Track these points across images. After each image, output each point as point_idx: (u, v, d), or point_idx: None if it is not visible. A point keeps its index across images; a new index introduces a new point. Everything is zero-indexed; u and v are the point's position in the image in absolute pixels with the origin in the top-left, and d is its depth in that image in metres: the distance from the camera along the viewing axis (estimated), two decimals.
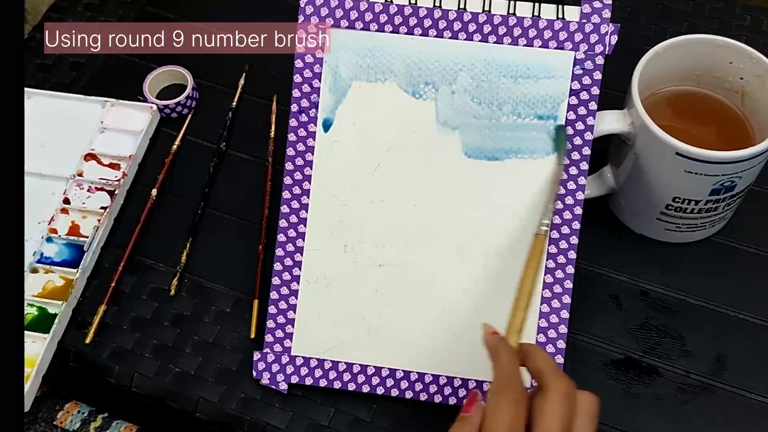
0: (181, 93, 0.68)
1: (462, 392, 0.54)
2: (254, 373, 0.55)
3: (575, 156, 0.54)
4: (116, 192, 0.63)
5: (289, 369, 0.55)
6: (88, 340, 0.58)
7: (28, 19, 0.79)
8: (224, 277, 0.60)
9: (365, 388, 0.54)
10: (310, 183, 0.56)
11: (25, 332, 0.57)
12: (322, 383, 0.55)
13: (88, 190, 0.64)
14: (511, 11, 0.54)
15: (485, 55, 0.54)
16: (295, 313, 0.55)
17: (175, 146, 0.66)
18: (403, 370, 0.54)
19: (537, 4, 0.54)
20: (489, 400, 0.42)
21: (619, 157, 0.57)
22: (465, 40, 0.54)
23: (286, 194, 0.56)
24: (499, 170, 0.54)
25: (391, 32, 0.55)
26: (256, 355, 0.55)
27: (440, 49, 0.55)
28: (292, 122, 0.56)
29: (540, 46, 0.54)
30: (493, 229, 0.55)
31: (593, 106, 0.53)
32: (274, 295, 0.56)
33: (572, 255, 0.54)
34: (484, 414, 0.42)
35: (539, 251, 0.49)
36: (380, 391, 0.54)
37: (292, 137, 0.56)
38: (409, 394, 0.54)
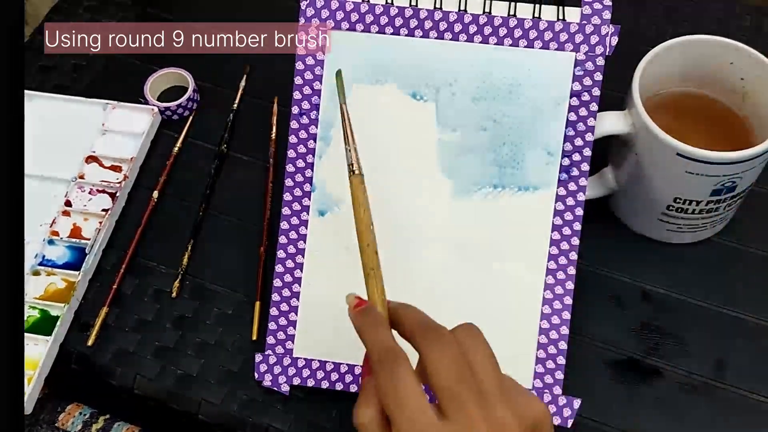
0: (182, 95, 0.68)
1: None
2: (256, 375, 0.55)
3: (576, 157, 0.54)
4: (118, 194, 0.63)
5: (291, 370, 0.55)
6: (90, 342, 0.58)
7: (28, 21, 0.79)
8: (226, 278, 0.60)
9: None
10: (311, 185, 0.56)
11: (28, 335, 0.57)
12: (324, 385, 0.55)
13: (90, 193, 0.64)
14: (512, 13, 0.54)
15: (486, 56, 0.54)
16: (296, 314, 0.55)
17: (176, 148, 0.66)
18: None
19: (537, 6, 0.54)
20: (379, 381, 0.38)
21: (620, 157, 0.57)
22: (466, 41, 0.54)
23: (287, 196, 0.56)
24: (500, 170, 0.54)
25: (391, 34, 0.55)
26: (258, 357, 0.55)
27: (441, 50, 0.55)
28: (293, 124, 0.56)
29: (541, 48, 0.54)
30: (494, 230, 0.55)
31: (594, 107, 0.54)
32: (275, 296, 0.56)
33: (573, 256, 0.54)
34: (376, 393, 0.39)
35: (359, 193, 0.46)
36: None
37: (293, 139, 0.56)
38: None
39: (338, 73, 0.49)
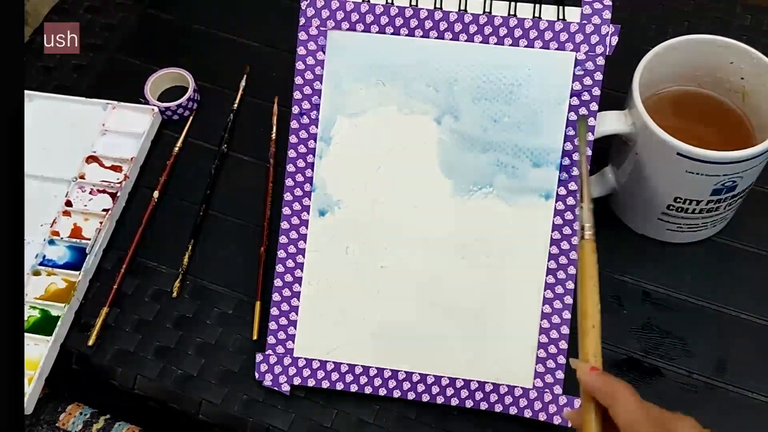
0: (182, 95, 0.68)
1: (464, 393, 0.54)
2: (257, 375, 0.55)
3: (576, 156, 0.54)
4: (118, 194, 0.63)
5: (292, 370, 0.55)
6: (90, 343, 0.58)
7: (28, 22, 0.79)
8: (226, 278, 0.60)
9: (367, 390, 0.54)
10: (311, 184, 0.56)
11: (28, 335, 0.57)
12: (325, 384, 0.55)
13: (90, 193, 0.64)
14: (512, 12, 0.54)
15: (486, 56, 0.54)
16: (297, 314, 0.55)
17: (176, 148, 0.66)
18: (405, 371, 0.55)
19: (538, 6, 0.54)
20: None
21: (621, 157, 0.57)
22: (466, 41, 0.54)
23: (287, 196, 0.56)
24: (500, 170, 0.54)
25: (392, 34, 0.55)
26: (259, 357, 0.55)
27: (441, 50, 0.55)
28: (294, 124, 0.56)
29: (541, 47, 0.54)
30: (495, 229, 0.55)
31: (594, 106, 0.54)
32: (276, 296, 0.56)
33: (574, 255, 0.54)
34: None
35: (588, 258, 0.43)
36: (382, 392, 0.54)
37: (293, 139, 0.56)
38: (411, 395, 0.54)
39: (581, 118, 0.46)
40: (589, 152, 0.53)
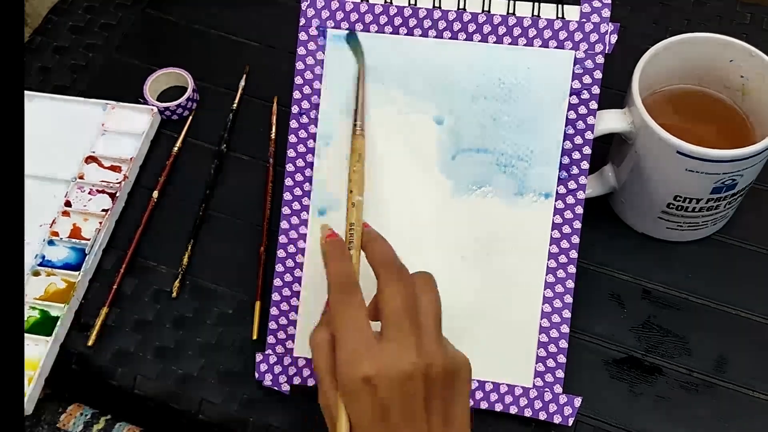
0: (181, 95, 0.68)
1: None
2: (256, 375, 0.55)
3: (576, 155, 0.54)
4: (117, 194, 0.63)
5: (292, 370, 0.55)
6: (90, 343, 0.58)
7: (28, 22, 0.79)
8: (226, 278, 0.60)
9: None
10: (311, 184, 0.56)
11: (28, 335, 0.57)
12: None
13: (90, 193, 0.64)
14: (511, 11, 0.54)
15: (485, 55, 0.54)
16: (297, 314, 0.55)
17: (176, 148, 0.66)
18: None
19: (536, 4, 0.54)
20: (330, 298, 0.44)
21: (620, 156, 0.57)
22: (465, 40, 0.54)
23: (287, 195, 0.56)
24: (499, 169, 0.54)
25: (390, 33, 0.55)
26: (259, 357, 0.55)
27: (440, 49, 0.55)
28: (293, 124, 0.56)
29: (540, 46, 0.54)
30: (494, 229, 0.55)
31: (594, 105, 0.53)
32: (275, 296, 0.56)
33: (573, 254, 0.54)
34: (329, 318, 0.44)
35: (357, 150, 0.52)
36: None
37: (292, 139, 0.56)
38: None
39: (350, 36, 0.54)
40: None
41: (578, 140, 0.54)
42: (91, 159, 0.65)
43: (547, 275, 0.54)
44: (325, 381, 0.43)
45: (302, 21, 0.55)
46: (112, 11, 0.75)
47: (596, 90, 0.53)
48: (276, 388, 0.55)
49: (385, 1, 0.55)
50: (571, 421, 0.53)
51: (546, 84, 0.54)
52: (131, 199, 0.64)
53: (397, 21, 0.55)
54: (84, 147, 0.65)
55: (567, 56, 0.54)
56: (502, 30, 0.54)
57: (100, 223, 0.62)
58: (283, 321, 0.55)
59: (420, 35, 0.55)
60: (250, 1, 0.74)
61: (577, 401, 0.53)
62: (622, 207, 0.61)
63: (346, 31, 0.55)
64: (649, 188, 0.56)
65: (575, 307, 0.54)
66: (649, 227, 0.60)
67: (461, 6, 0.54)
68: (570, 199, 0.54)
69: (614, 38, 0.53)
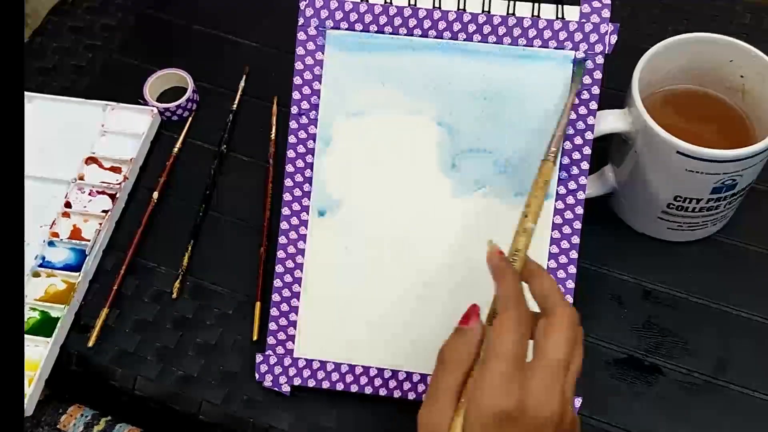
0: (181, 96, 0.68)
1: None
2: (257, 376, 0.55)
3: (576, 155, 0.54)
4: (117, 195, 0.63)
5: (292, 371, 0.55)
6: (90, 344, 0.58)
7: (28, 23, 0.79)
8: (226, 279, 0.60)
9: (368, 390, 0.54)
10: (310, 185, 0.56)
11: (28, 336, 0.57)
12: (325, 385, 0.55)
13: (90, 194, 0.64)
14: (511, 11, 0.54)
15: (485, 55, 0.54)
16: (297, 315, 0.55)
17: (175, 149, 0.66)
18: (405, 372, 0.54)
19: (536, 4, 0.54)
20: (495, 320, 0.41)
21: (620, 156, 0.57)
22: (465, 40, 0.54)
23: (287, 196, 0.56)
24: (499, 169, 0.54)
25: (390, 33, 0.55)
26: (259, 357, 0.55)
27: (440, 50, 0.55)
28: (293, 124, 0.56)
29: (540, 46, 0.54)
30: (494, 230, 0.54)
31: (594, 105, 0.53)
32: (275, 297, 0.56)
33: (574, 255, 0.54)
34: (486, 333, 0.41)
35: (545, 177, 0.47)
36: (383, 392, 0.54)
37: (292, 139, 0.56)
38: (411, 396, 0.54)
39: (579, 62, 0.52)
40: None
41: (578, 140, 0.54)
42: (91, 160, 0.65)
43: None
44: (442, 399, 0.40)
45: (301, 21, 0.55)
46: (112, 12, 0.75)
47: (596, 90, 0.53)
48: (276, 389, 0.55)
49: (385, 1, 0.55)
50: None
51: (546, 84, 0.54)
52: (131, 199, 0.64)
53: (397, 21, 0.55)
54: (84, 148, 0.65)
55: (567, 56, 0.54)
56: (502, 30, 0.54)
57: (100, 224, 0.62)
58: (283, 322, 0.55)
59: (420, 35, 0.55)
60: (249, 2, 0.74)
61: (578, 401, 0.53)
62: (622, 207, 0.61)
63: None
64: (649, 188, 0.56)
65: (576, 307, 0.53)
66: (650, 227, 0.60)
67: (461, 6, 0.54)
68: (570, 200, 0.54)
69: (614, 38, 0.53)
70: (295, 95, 0.56)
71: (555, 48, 0.54)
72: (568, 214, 0.54)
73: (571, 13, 0.54)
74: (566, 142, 0.54)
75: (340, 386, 0.55)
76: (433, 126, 0.55)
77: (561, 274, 0.54)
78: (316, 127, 0.56)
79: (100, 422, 0.56)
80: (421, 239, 0.55)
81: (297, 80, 0.56)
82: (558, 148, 0.49)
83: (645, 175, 0.55)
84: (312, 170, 0.56)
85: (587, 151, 0.54)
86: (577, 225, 0.54)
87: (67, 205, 0.63)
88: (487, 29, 0.54)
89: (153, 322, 0.59)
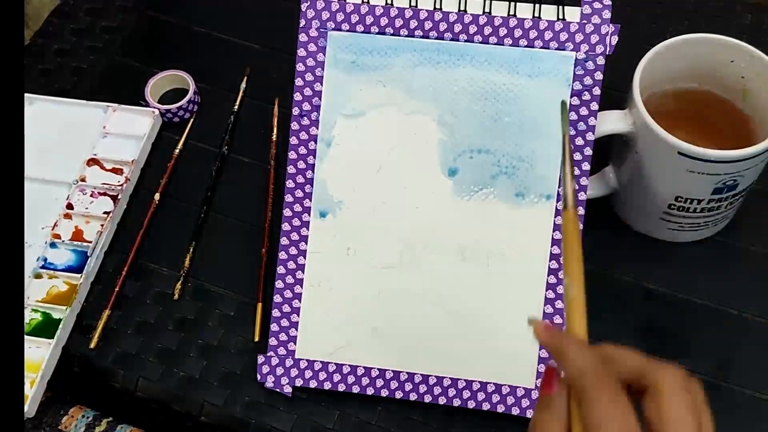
0: (182, 97, 0.68)
1: (466, 394, 0.54)
2: (258, 377, 0.55)
3: (577, 156, 0.54)
4: (119, 197, 0.63)
5: (294, 372, 0.55)
6: (92, 345, 0.58)
7: (29, 24, 0.79)
8: (228, 280, 0.60)
9: (369, 391, 0.54)
10: (312, 186, 0.56)
11: (30, 338, 0.57)
12: (327, 386, 0.55)
13: (91, 195, 0.64)
14: (512, 13, 0.54)
15: (486, 56, 0.54)
16: (298, 316, 0.55)
17: (177, 150, 0.66)
18: (407, 372, 0.54)
19: (537, 6, 0.54)
20: (584, 406, 0.34)
21: (621, 157, 0.57)
22: (466, 42, 0.54)
23: (288, 197, 0.56)
24: (500, 170, 0.54)
25: (392, 35, 0.55)
26: (260, 359, 0.55)
27: (441, 51, 0.55)
28: (294, 125, 0.56)
29: (541, 47, 0.54)
30: (496, 230, 0.55)
31: (595, 106, 0.53)
32: (277, 298, 0.56)
33: None
34: (590, 422, 0.34)
35: (572, 227, 0.39)
36: (384, 393, 0.54)
37: (293, 140, 0.56)
38: (413, 396, 0.54)
39: (563, 104, 0.45)
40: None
41: (579, 141, 0.54)
42: (92, 161, 0.65)
43: (548, 276, 0.54)
44: None
45: (302, 22, 0.56)
46: (113, 14, 0.75)
47: (597, 91, 0.53)
48: (278, 390, 0.55)
49: (386, 3, 0.55)
50: None
51: (547, 85, 0.54)
52: (133, 201, 0.64)
53: (398, 22, 0.55)
54: (85, 149, 0.65)
55: (568, 57, 0.54)
56: (503, 31, 0.54)
57: (102, 225, 0.62)
58: (285, 323, 0.55)
59: (421, 37, 0.55)
60: (250, 3, 0.74)
61: None
62: (624, 208, 0.61)
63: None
64: (650, 189, 0.56)
65: None
66: (651, 228, 0.60)
67: (462, 7, 0.54)
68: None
69: (615, 39, 0.53)
70: (297, 96, 0.56)
71: (556, 49, 0.54)
72: None
73: (572, 14, 0.54)
74: None
75: (341, 387, 0.55)
76: (434, 127, 0.55)
77: (562, 274, 0.54)
78: (317, 129, 0.56)
79: (102, 423, 0.57)
80: (422, 240, 0.55)
81: (298, 81, 0.56)
82: (570, 192, 0.41)
83: (646, 175, 0.55)
84: (313, 171, 0.56)
85: (588, 152, 0.54)
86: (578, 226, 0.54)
87: (69, 206, 0.63)
88: (488, 30, 0.54)
89: (154, 323, 0.59)
